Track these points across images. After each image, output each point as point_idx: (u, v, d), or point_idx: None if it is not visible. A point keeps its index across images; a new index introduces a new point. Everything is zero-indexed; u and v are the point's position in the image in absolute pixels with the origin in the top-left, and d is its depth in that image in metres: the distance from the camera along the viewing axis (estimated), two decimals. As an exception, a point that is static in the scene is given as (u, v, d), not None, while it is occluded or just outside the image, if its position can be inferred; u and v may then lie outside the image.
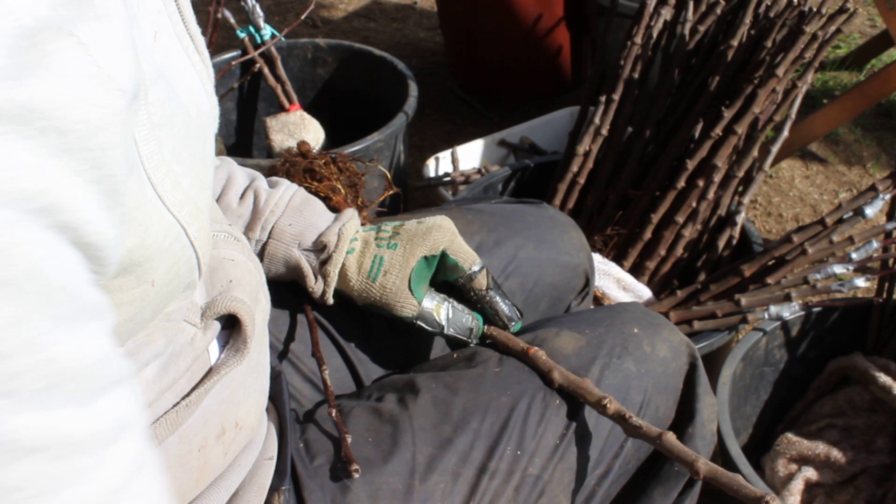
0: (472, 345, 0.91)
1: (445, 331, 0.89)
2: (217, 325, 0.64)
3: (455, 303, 0.90)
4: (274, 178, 0.94)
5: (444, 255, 0.89)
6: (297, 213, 0.89)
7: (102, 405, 0.41)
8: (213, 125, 0.63)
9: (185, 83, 0.57)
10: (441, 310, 0.89)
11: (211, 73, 0.63)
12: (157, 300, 0.52)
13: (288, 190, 0.91)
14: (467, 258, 0.89)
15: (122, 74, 0.41)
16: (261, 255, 0.88)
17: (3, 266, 0.35)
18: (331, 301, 0.89)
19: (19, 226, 0.36)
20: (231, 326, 0.67)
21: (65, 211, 0.38)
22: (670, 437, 0.78)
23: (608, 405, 0.80)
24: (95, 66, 0.39)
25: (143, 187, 0.47)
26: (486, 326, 0.91)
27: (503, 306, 0.91)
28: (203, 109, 0.59)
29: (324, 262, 0.87)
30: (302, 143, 1.20)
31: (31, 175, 0.36)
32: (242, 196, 0.90)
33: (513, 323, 0.91)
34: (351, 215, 0.91)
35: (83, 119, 0.38)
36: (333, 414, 0.79)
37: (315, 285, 0.88)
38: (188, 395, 0.61)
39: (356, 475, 0.74)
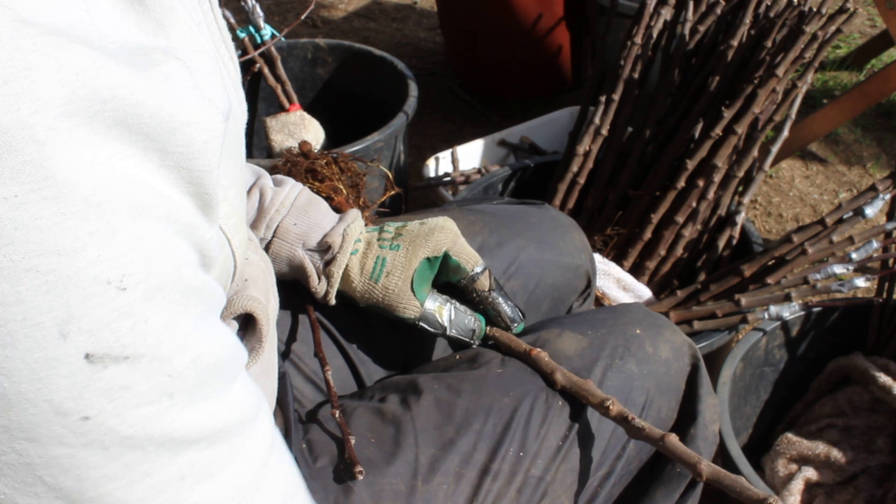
0: (474, 346, 0.91)
1: (448, 332, 0.89)
2: (235, 325, 0.65)
3: (457, 304, 0.90)
4: (279, 177, 0.94)
5: (446, 257, 0.89)
6: (302, 212, 0.89)
7: (239, 389, 0.45)
8: (244, 127, 0.64)
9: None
10: (443, 311, 0.89)
11: (240, 75, 0.64)
12: None
13: (293, 189, 0.91)
14: (470, 259, 0.89)
15: (218, 97, 0.43)
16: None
17: (152, 273, 0.38)
18: (333, 302, 0.89)
19: (156, 234, 0.38)
20: (244, 326, 0.67)
21: (184, 212, 0.40)
22: (673, 438, 0.78)
23: (611, 407, 0.80)
24: (198, 90, 0.40)
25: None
26: (488, 328, 0.91)
27: (506, 307, 0.91)
28: (238, 116, 0.60)
29: (328, 263, 0.87)
30: (303, 143, 1.20)
31: (152, 184, 0.38)
32: (248, 193, 0.90)
33: (515, 324, 0.91)
34: (355, 216, 0.91)
35: (190, 142, 0.39)
36: (337, 415, 0.79)
37: (318, 286, 0.88)
38: None
39: (360, 477, 0.74)
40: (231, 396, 0.44)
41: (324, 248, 0.88)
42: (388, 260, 0.87)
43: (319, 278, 0.88)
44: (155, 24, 0.43)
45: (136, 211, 0.37)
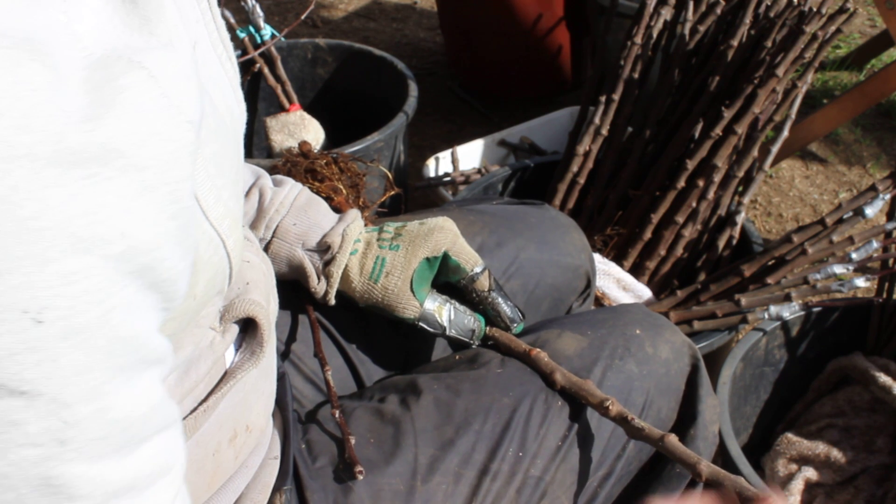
0: (474, 346, 0.91)
1: (447, 332, 0.89)
2: (235, 329, 0.64)
3: (457, 304, 0.90)
4: (278, 177, 0.94)
5: (445, 257, 0.89)
6: (301, 212, 0.89)
7: (146, 452, 0.42)
8: (243, 129, 0.63)
9: (220, 91, 0.57)
10: (443, 311, 0.89)
11: (238, 76, 0.63)
12: (194, 311, 0.53)
13: (293, 189, 0.91)
14: (469, 259, 0.89)
15: (189, 104, 0.41)
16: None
17: (77, 313, 0.36)
18: (333, 302, 0.89)
19: (93, 273, 0.36)
20: (244, 329, 0.67)
21: (143, 252, 0.38)
22: (672, 439, 0.78)
23: (610, 407, 0.80)
24: (165, 99, 0.39)
25: (192, 206, 0.48)
26: (487, 328, 0.91)
27: (505, 308, 0.91)
28: (235, 116, 0.59)
29: (327, 263, 0.87)
30: (303, 143, 1.20)
31: (113, 218, 0.36)
32: (247, 194, 0.90)
33: (515, 324, 0.91)
34: (355, 216, 0.91)
35: (157, 155, 0.38)
36: (337, 415, 0.79)
37: (318, 286, 0.88)
38: (205, 399, 0.61)
39: (360, 477, 0.74)
40: (133, 459, 0.41)
41: (323, 249, 0.88)
42: (387, 260, 0.87)
43: (319, 278, 0.88)
44: (141, 20, 0.41)
45: (80, 244, 0.35)
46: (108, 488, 0.39)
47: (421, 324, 0.88)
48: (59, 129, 0.35)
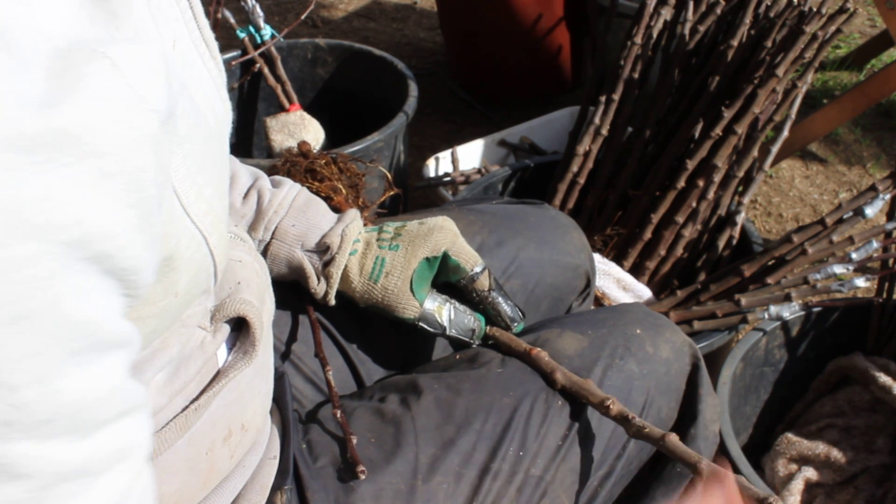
0: (474, 346, 0.91)
1: (447, 332, 0.89)
2: (226, 328, 0.64)
3: (457, 304, 0.90)
4: (277, 178, 0.94)
5: (445, 257, 0.89)
6: (300, 213, 0.89)
7: (102, 437, 0.41)
8: (228, 129, 0.62)
9: (202, 90, 0.56)
10: (443, 311, 0.89)
11: (224, 77, 0.63)
12: (177, 309, 0.52)
13: (291, 190, 0.91)
14: (469, 259, 0.89)
15: (155, 95, 0.40)
16: (263, 255, 0.88)
17: (23, 299, 0.35)
18: (333, 302, 0.89)
19: (44, 259, 0.36)
20: (237, 328, 0.67)
21: (100, 240, 0.37)
22: (673, 438, 0.78)
23: (611, 406, 0.80)
24: (129, 88, 0.39)
25: (171, 201, 0.47)
26: (488, 327, 0.91)
27: (505, 307, 0.91)
28: (219, 115, 0.59)
29: (326, 264, 0.87)
30: (303, 143, 1.20)
31: (69, 204, 0.36)
32: (246, 195, 0.90)
33: (515, 324, 0.91)
34: (354, 216, 0.91)
35: (118, 143, 0.38)
36: (338, 415, 0.79)
37: (317, 286, 0.88)
38: (197, 398, 0.61)
39: (362, 477, 0.74)
40: (88, 442, 0.40)
41: (322, 249, 0.88)
42: (387, 260, 0.87)
43: (319, 279, 0.88)
44: (108, 15, 0.41)
45: (32, 230, 0.35)
46: (56, 469, 0.39)
47: (421, 324, 0.88)
48: (16, 115, 0.34)
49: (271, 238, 0.88)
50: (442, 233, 0.89)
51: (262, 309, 0.67)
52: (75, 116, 0.36)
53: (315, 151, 1.18)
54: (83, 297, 0.38)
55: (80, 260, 0.37)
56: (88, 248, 0.37)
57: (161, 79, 0.41)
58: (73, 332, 0.38)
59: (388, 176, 1.34)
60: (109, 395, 0.41)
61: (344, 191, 1.11)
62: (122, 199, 0.38)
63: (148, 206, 0.40)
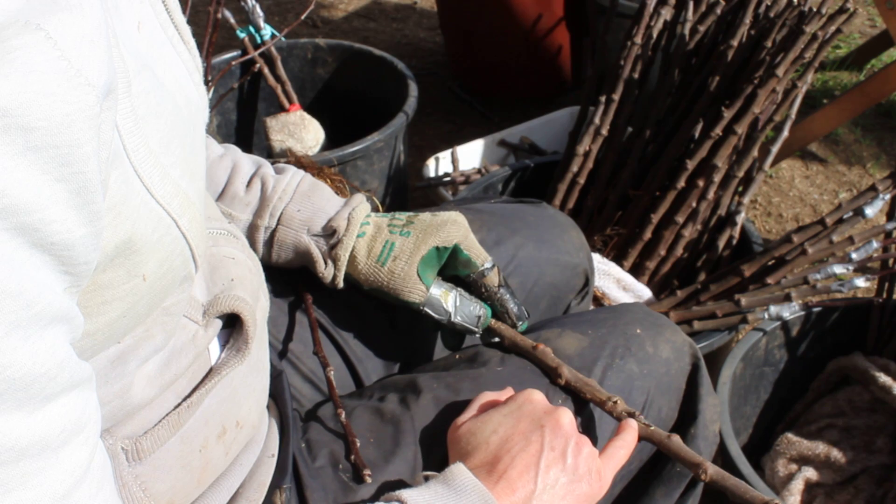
0: (478, 334, 0.90)
1: (452, 318, 0.88)
2: (218, 324, 0.64)
3: (463, 291, 0.90)
4: (280, 165, 0.94)
5: (456, 250, 0.88)
6: (305, 198, 0.88)
7: (53, 410, 0.41)
8: (203, 115, 0.62)
9: (172, 73, 0.56)
10: (448, 297, 0.88)
11: (198, 62, 0.62)
12: (151, 294, 0.52)
13: (295, 176, 0.91)
14: (480, 255, 0.89)
15: (93, 68, 0.40)
16: (270, 241, 0.88)
17: None
18: (341, 285, 0.88)
19: None
20: (231, 325, 0.66)
21: (25, 212, 0.37)
22: (676, 439, 0.78)
23: (616, 404, 0.80)
24: (64, 61, 0.38)
25: (129, 181, 0.47)
26: (492, 320, 0.91)
27: (512, 305, 0.91)
28: (191, 99, 0.58)
29: (333, 247, 0.87)
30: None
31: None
32: (249, 183, 0.89)
33: (520, 322, 0.91)
34: (361, 200, 0.90)
35: (48, 116, 0.37)
36: (342, 417, 0.79)
37: (325, 270, 0.87)
38: (189, 395, 0.61)
39: (369, 480, 0.74)
40: (40, 416, 0.40)
41: (329, 233, 0.87)
42: (396, 245, 0.87)
43: (326, 263, 0.87)
44: None
45: None
46: (13, 444, 0.39)
47: (426, 309, 0.88)
48: None
49: (277, 224, 0.87)
50: (455, 226, 0.88)
51: (256, 306, 0.67)
52: (2, 90, 0.35)
53: (310, 156, 1.18)
54: (13, 266, 0.37)
55: (7, 230, 0.37)
56: (13, 220, 0.37)
57: (101, 51, 0.41)
58: (10, 302, 0.37)
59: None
60: (58, 369, 0.41)
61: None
62: (49, 172, 0.38)
63: (82, 182, 0.40)
